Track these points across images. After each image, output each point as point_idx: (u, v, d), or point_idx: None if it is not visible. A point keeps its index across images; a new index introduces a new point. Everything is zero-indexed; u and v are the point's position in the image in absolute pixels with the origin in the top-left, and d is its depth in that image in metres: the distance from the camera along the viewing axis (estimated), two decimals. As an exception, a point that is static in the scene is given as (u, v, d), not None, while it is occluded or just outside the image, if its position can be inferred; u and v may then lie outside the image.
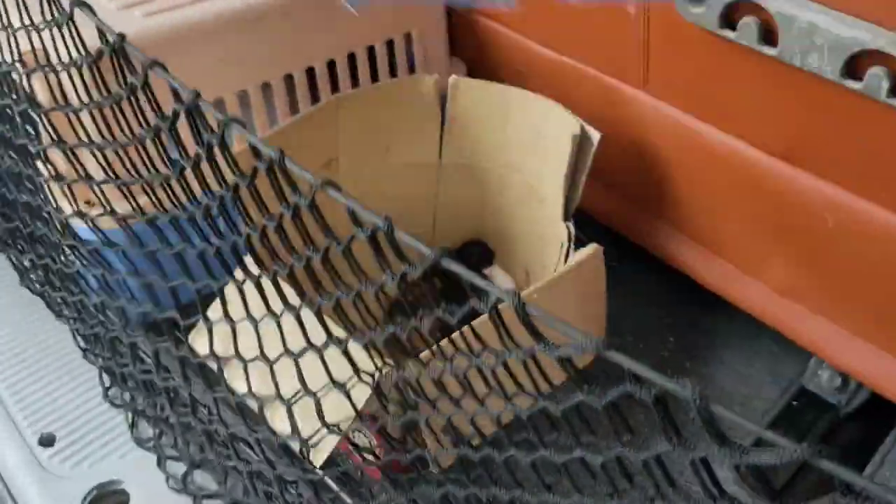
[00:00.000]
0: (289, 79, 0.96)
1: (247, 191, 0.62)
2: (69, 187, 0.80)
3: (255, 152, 0.56)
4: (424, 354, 0.63)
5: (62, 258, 0.89)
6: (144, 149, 0.69)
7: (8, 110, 0.83)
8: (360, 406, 0.70)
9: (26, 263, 0.99)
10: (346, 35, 0.99)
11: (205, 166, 0.62)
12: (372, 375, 0.69)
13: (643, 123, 0.96)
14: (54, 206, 0.83)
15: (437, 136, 1.02)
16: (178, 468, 0.82)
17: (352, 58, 1.01)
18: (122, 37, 0.64)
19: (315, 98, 0.99)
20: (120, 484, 0.82)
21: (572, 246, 0.86)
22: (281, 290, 0.67)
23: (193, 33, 0.89)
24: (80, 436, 0.86)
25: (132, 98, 0.66)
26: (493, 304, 0.44)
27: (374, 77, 1.04)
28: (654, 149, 0.96)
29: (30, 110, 0.78)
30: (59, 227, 0.86)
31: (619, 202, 1.05)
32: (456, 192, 1.05)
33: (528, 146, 0.98)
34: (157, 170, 0.70)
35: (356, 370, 0.68)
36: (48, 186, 0.83)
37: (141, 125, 0.67)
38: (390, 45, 1.04)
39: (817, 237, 0.84)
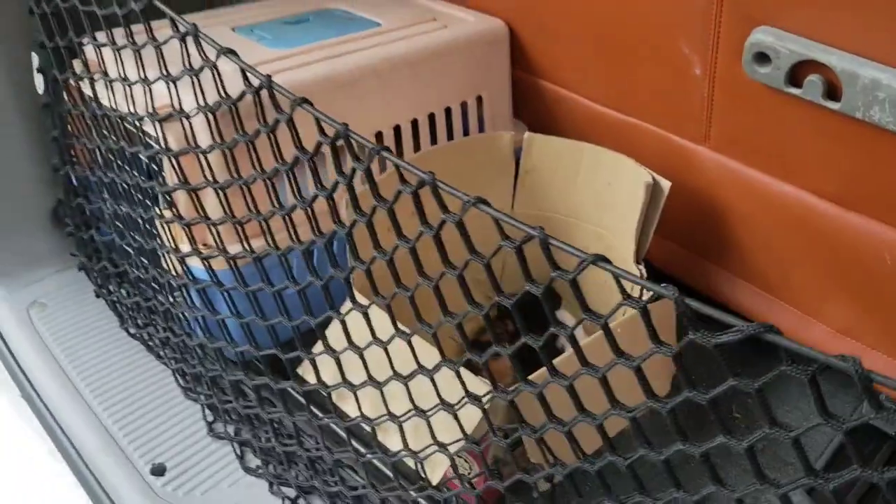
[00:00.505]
0: (378, 135, 1.03)
1: (365, 225, 0.68)
2: (188, 228, 0.87)
3: (401, 176, 0.63)
4: (535, 375, 0.68)
5: (170, 299, 0.95)
6: (272, 183, 0.76)
7: (133, 156, 0.90)
8: (470, 428, 0.74)
9: (129, 306, 1.04)
10: (428, 97, 1.07)
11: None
12: (479, 399, 0.73)
13: (703, 176, 1.03)
14: (172, 247, 0.89)
15: (510, 188, 1.09)
16: (288, 492, 0.86)
17: (430, 117, 1.09)
18: (268, 77, 0.71)
19: (400, 152, 1.06)
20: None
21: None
22: (393, 317, 0.73)
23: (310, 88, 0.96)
24: (190, 465, 0.90)
25: (271, 135, 0.73)
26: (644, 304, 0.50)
27: (450, 135, 1.12)
28: (715, 200, 1.03)
29: (158, 155, 0.85)
30: (172, 267, 0.92)
31: (678, 249, 1.11)
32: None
33: (598, 197, 1.05)
34: (280, 205, 0.76)
35: (467, 392, 0.72)
36: (166, 229, 0.89)
37: (277, 159, 0.73)
38: (464, 106, 1.13)
39: (876, 276, 0.90)
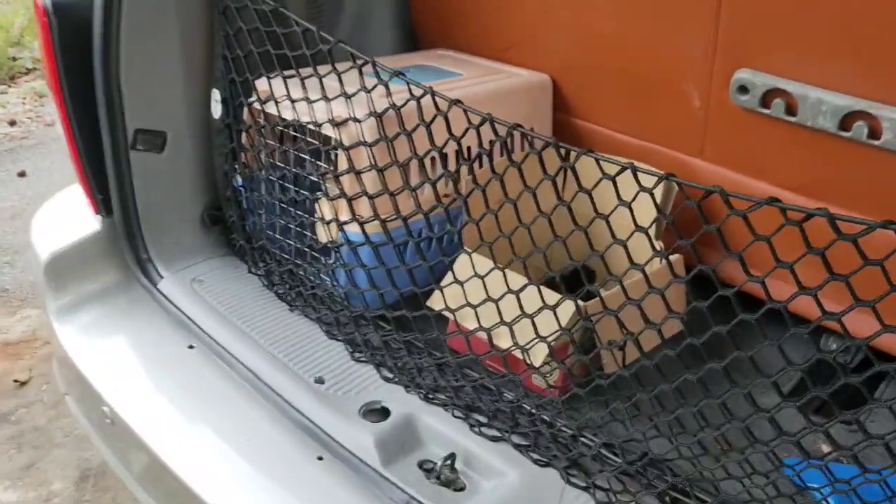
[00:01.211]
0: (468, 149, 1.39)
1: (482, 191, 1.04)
2: (349, 202, 1.21)
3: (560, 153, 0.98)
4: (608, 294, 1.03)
5: (323, 261, 1.28)
6: (422, 163, 1.12)
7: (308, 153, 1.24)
8: (564, 321, 1.08)
9: (280, 274, 1.37)
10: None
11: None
12: (573, 299, 1.07)
13: (700, 181, 1.41)
14: (331, 217, 1.23)
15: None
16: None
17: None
18: (430, 87, 1.08)
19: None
20: (380, 403, 1.16)
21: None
22: (494, 258, 1.08)
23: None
24: (343, 377, 1.21)
25: (429, 129, 1.09)
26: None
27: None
28: (709, 200, 1.40)
29: (333, 150, 1.20)
30: (329, 235, 1.25)
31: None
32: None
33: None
34: (428, 178, 1.11)
35: (563, 298, 1.07)
36: (330, 205, 1.24)
37: (433, 146, 1.09)
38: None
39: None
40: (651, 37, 1.39)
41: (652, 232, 1.07)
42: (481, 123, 1.05)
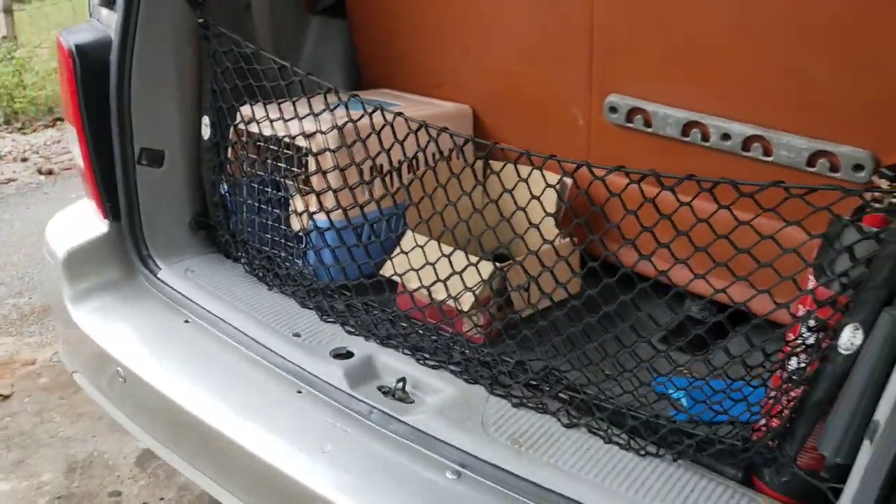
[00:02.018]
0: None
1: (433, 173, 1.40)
2: (318, 196, 1.54)
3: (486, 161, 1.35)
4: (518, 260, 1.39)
5: (295, 245, 1.61)
6: (374, 164, 1.46)
7: (283, 161, 1.58)
8: (486, 275, 1.43)
9: (260, 260, 1.68)
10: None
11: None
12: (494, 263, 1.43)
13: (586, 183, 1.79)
14: (303, 209, 1.56)
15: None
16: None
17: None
18: (379, 105, 1.43)
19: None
20: (346, 348, 1.48)
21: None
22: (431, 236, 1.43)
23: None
24: (314, 332, 1.52)
25: (378, 136, 1.44)
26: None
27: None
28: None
29: (304, 156, 1.54)
30: (301, 223, 1.58)
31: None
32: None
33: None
34: (380, 176, 1.46)
35: (482, 258, 1.42)
36: (299, 199, 1.57)
37: (385, 153, 1.44)
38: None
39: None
40: (545, 74, 1.78)
41: (554, 216, 1.45)
42: (417, 129, 1.40)
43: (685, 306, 1.75)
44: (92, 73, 1.63)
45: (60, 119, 6.06)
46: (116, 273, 1.73)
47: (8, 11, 6.99)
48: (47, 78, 6.48)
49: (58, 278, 1.72)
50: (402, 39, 2.00)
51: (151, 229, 1.74)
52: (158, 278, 1.71)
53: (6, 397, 2.55)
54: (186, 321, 1.64)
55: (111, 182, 1.69)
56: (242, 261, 1.74)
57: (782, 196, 1.09)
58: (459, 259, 1.44)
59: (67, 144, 5.53)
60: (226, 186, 1.72)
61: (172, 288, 1.68)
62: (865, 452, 1.00)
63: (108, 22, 1.69)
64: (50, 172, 4.92)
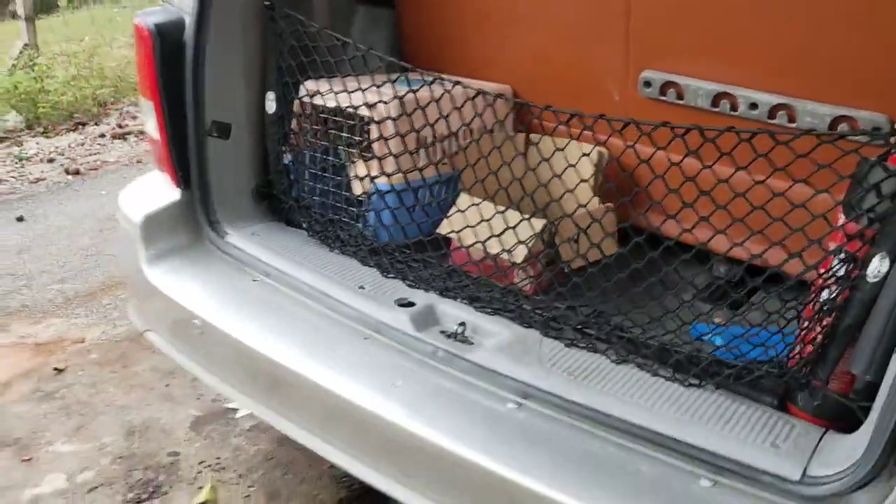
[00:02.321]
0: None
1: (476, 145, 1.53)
2: (380, 161, 1.68)
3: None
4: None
5: (353, 209, 1.74)
6: (433, 134, 1.60)
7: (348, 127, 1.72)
8: (538, 228, 1.56)
9: (322, 223, 1.81)
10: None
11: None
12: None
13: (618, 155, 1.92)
14: (365, 174, 1.70)
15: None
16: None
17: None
18: (438, 75, 1.57)
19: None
20: (407, 298, 1.61)
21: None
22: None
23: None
24: (377, 285, 1.65)
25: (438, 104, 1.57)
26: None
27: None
28: (626, 165, 1.92)
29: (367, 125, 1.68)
30: (363, 186, 1.72)
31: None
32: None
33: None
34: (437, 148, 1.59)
35: (533, 213, 1.55)
36: (358, 163, 1.70)
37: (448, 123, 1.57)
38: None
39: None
40: (581, 54, 1.92)
41: (591, 183, 1.58)
42: (475, 96, 1.54)
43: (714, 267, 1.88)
44: (168, 51, 1.77)
45: (83, 123, 6.23)
46: (187, 237, 1.86)
47: (30, 20, 7.14)
48: (68, 84, 6.63)
49: (133, 242, 1.85)
50: (446, 26, 2.14)
51: (219, 197, 1.87)
52: (228, 241, 1.84)
53: (60, 371, 2.67)
54: (255, 280, 1.77)
55: (183, 152, 1.82)
56: (304, 225, 1.87)
57: (815, 143, 1.23)
58: (513, 216, 1.57)
59: (92, 145, 5.71)
60: (289, 157, 1.86)
61: (242, 249, 1.81)
62: (892, 369, 1.13)
63: (181, 5, 1.83)
64: (77, 172, 5.06)
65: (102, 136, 6.03)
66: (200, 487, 2.12)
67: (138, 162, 5.24)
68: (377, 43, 2.19)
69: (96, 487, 2.14)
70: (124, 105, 6.81)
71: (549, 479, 1.26)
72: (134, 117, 6.40)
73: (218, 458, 2.23)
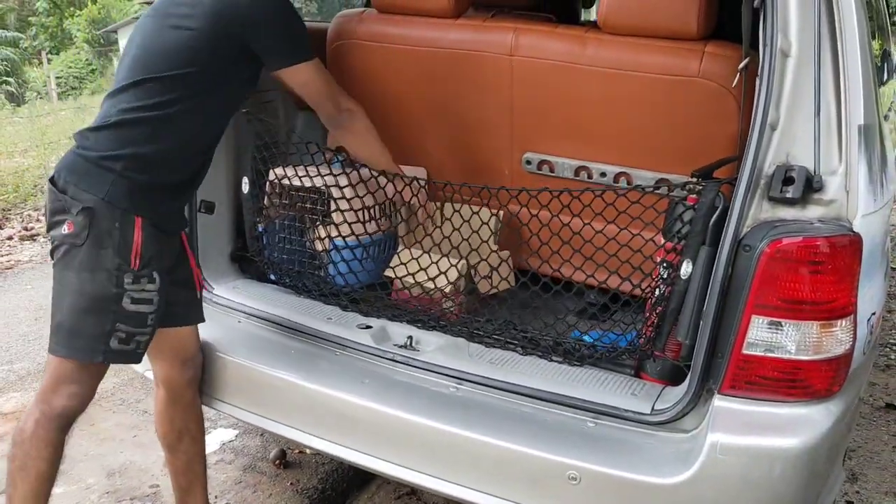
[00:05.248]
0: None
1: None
2: (336, 226, 2.19)
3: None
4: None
5: (317, 262, 2.23)
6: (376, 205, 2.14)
7: (305, 203, 2.23)
8: (461, 269, 2.10)
9: (291, 276, 2.28)
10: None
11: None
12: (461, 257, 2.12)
13: (507, 216, 2.52)
14: (324, 235, 2.20)
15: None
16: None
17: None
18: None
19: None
20: (366, 323, 2.10)
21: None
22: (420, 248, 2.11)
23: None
24: (341, 316, 2.14)
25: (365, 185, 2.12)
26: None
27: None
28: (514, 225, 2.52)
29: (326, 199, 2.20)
30: (322, 244, 2.22)
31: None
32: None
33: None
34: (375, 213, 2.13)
35: (459, 260, 2.11)
36: (320, 227, 2.21)
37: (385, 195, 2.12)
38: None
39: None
40: (480, 141, 2.53)
41: (494, 238, 2.17)
42: (394, 177, 2.09)
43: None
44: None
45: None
46: (181, 292, 2.29)
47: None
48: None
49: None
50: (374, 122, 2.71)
51: (205, 260, 2.32)
52: (215, 293, 2.28)
53: (34, 432, 2.93)
54: (239, 321, 2.22)
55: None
56: (273, 278, 2.34)
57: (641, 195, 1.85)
58: (444, 262, 2.12)
59: (1, 248, 5.85)
60: (261, 227, 2.34)
61: (227, 299, 2.26)
62: (702, 334, 1.73)
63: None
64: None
65: (10, 238, 6.16)
66: (183, 508, 2.45)
67: (54, 260, 5.44)
68: (315, 138, 2.73)
69: (91, 518, 2.43)
70: (26, 209, 6.97)
71: (481, 429, 1.77)
72: (38, 220, 6.56)
73: (195, 485, 2.57)
